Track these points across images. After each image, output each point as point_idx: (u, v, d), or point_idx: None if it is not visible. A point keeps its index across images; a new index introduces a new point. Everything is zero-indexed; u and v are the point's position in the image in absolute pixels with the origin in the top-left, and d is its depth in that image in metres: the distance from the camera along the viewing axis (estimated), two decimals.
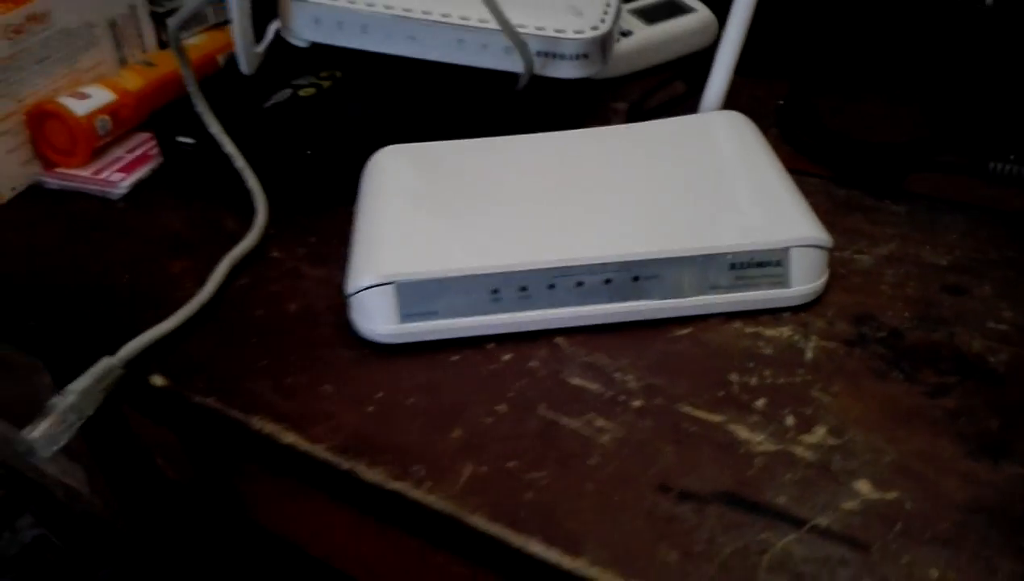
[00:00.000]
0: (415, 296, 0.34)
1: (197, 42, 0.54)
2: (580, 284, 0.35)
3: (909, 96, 0.50)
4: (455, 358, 0.34)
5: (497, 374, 0.34)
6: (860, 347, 0.34)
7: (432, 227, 0.37)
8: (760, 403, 0.32)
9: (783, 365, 0.33)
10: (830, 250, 0.36)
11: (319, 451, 0.31)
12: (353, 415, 0.32)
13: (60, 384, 0.33)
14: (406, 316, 0.34)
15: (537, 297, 0.35)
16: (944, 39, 0.53)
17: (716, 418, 0.31)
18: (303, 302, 0.38)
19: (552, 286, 0.35)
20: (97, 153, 0.48)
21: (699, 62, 0.53)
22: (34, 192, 0.47)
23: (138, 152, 0.48)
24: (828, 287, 0.36)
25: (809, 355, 0.34)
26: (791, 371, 0.33)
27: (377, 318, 0.35)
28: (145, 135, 0.49)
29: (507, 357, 0.34)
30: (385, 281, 0.34)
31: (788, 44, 0.54)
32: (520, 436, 0.31)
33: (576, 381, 0.33)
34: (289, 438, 0.32)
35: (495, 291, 0.34)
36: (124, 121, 0.48)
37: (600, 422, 0.31)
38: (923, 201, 0.42)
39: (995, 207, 0.41)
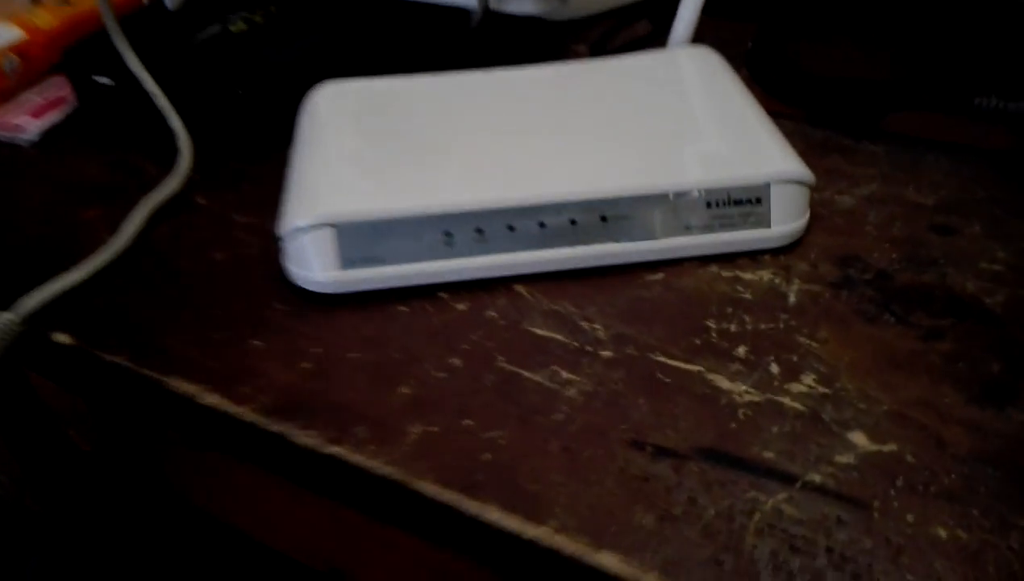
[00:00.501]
0: (358, 239, 0.30)
1: None
2: (542, 225, 0.31)
3: (884, 37, 0.47)
4: (403, 309, 0.31)
5: (450, 325, 0.30)
6: (847, 290, 0.31)
7: (377, 165, 0.33)
8: (741, 350, 0.29)
9: (765, 310, 0.30)
10: (811, 188, 0.33)
11: (245, 413, 0.27)
12: (286, 373, 0.28)
13: None
14: (348, 262, 0.31)
15: (495, 240, 0.31)
16: None
17: (694, 367, 0.28)
18: (232, 251, 0.34)
19: (511, 228, 0.31)
20: (4, 97, 0.43)
21: (664, 3, 0.50)
22: None
23: (51, 96, 0.43)
24: (809, 228, 0.33)
25: (792, 299, 0.31)
26: (774, 316, 0.30)
27: (315, 264, 0.31)
28: (59, 78, 0.44)
29: (462, 307, 0.31)
30: (323, 222, 0.30)
31: None
32: (476, 391, 0.27)
33: (539, 331, 0.30)
34: (211, 399, 0.28)
35: (447, 234, 0.31)
36: (35, 61, 0.44)
37: (566, 374, 0.28)
38: (903, 141, 0.39)
39: (978, 146, 0.38)
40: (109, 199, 0.37)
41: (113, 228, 0.34)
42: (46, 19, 0.45)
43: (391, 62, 0.43)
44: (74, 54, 0.42)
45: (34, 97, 0.43)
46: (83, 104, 0.42)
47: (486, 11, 0.43)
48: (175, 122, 0.39)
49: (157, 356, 0.29)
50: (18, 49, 0.43)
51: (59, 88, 0.44)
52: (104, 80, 0.41)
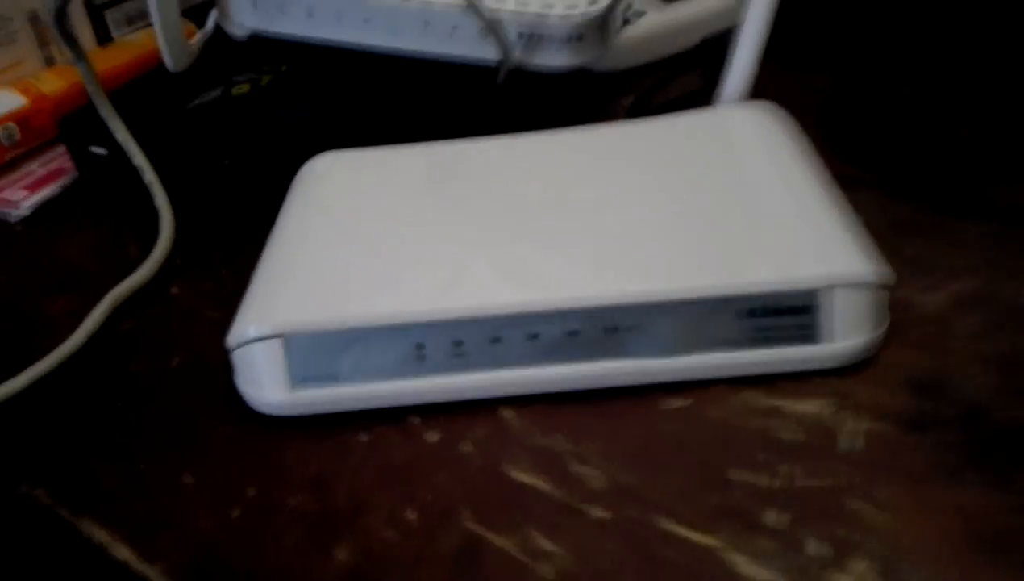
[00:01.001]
0: (311, 353, 0.26)
1: (139, 39, 0.47)
2: (534, 337, 0.26)
3: (986, 90, 0.39)
4: (363, 438, 0.26)
5: (415, 463, 0.25)
6: (923, 432, 0.24)
7: (348, 261, 0.28)
8: (772, 518, 0.22)
9: (810, 458, 0.23)
10: (887, 289, 0.26)
11: (154, 574, 0.23)
12: (211, 521, 0.24)
13: None
14: (300, 380, 0.26)
15: (476, 355, 0.26)
16: None
17: (709, 541, 0.22)
18: (190, 355, 0.30)
19: (497, 340, 0.26)
20: (2, 168, 0.41)
21: (719, 50, 0.44)
22: None
23: (53, 166, 0.41)
24: (880, 343, 0.26)
25: (847, 443, 0.24)
26: (821, 467, 0.23)
27: (264, 382, 0.26)
28: (63, 146, 0.42)
29: (433, 438, 0.25)
30: (272, 333, 0.26)
31: (829, 26, 0.44)
32: (427, 560, 0.22)
33: (519, 476, 0.24)
34: (122, 552, 0.23)
35: (419, 346, 0.26)
36: (37, 130, 0.41)
37: (542, 541, 0.22)
38: (1013, 219, 0.31)
39: None
40: (82, 286, 0.34)
41: (76, 322, 0.31)
42: (52, 83, 0.43)
43: (408, 128, 0.38)
44: (71, 123, 0.39)
45: (35, 168, 0.41)
46: (82, 175, 0.40)
47: (509, 66, 0.38)
48: (160, 198, 0.36)
49: (76, 491, 0.25)
50: (18, 117, 0.41)
51: (62, 157, 0.41)
52: (100, 150, 0.38)
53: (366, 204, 0.31)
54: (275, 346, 0.26)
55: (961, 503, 0.22)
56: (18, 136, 0.40)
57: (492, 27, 0.36)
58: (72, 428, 0.27)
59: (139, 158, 0.36)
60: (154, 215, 0.36)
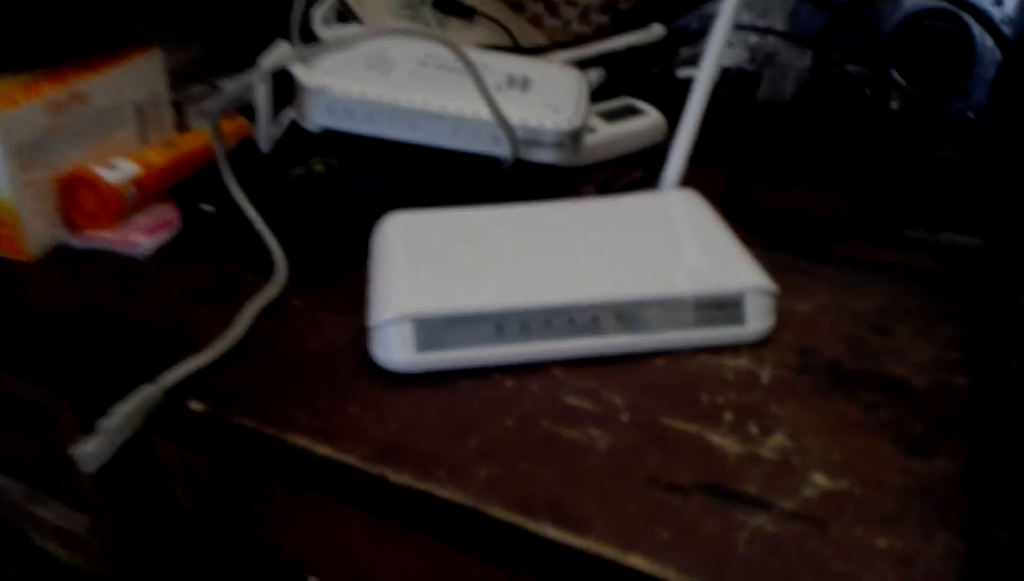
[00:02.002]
0: (430, 330, 0.40)
1: (207, 130, 0.60)
2: (572, 321, 0.41)
3: (831, 181, 0.59)
4: (465, 384, 0.39)
5: (503, 397, 0.39)
6: (806, 374, 0.40)
7: (441, 274, 0.42)
8: (728, 416, 0.37)
9: (744, 387, 0.39)
10: (776, 297, 0.43)
11: (352, 460, 0.35)
12: (379, 430, 0.37)
13: (87, 425, 0.37)
14: (421, 347, 0.40)
15: (535, 332, 0.40)
16: (858, 135, 0.63)
17: (692, 428, 0.37)
18: (325, 342, 0.43)
19: (548, 323, 0.40)
20: (122, 218, 0.52)
21: (653, 155, 0.61)
22: (61, 253, 0.51)
23: (160, 219, 0.53)
24: (776, 329, 0.43)
25: (765, 380, 0.40)
26: (751, 392, 0.39)
27: (396, 349, 0.40)
28: (165, 205, 0.54)
29: (510, 383, 0.40)
30: (404, 316, 0.39)
31: (725, 139, 0.63)
32: (527, 443, 0.36)
33: (572, 401, 0.38)
34: (323, 450, 0.36)
35: (499, 327, 0.40)
36: (148, 191, 0.54)
37: (595, 432, 0.37)
38: (849, 264, 0.49)
39: (911, 269, 0.48)
40: (218, 301, 0.46)
41: (224, 325, 0.43)
42: (156, 156, 0.55)
43: (439, 199, 0.53)
44: (184, 186, 0.52)
45: (145, 219, 0.53)
46: (187, 227, 0.52)
47: (516, 158, 0.54)
48: (271, 242, 0.49)
49: (276, 419, 0.37)
50: (136, 181, 0.53)
51: (165, 213, 0.54)
52: (208, 207, 0.51)
53: (436, 243, 0.45)
54: (406, 325, 0.39)
55: (830, 407, 0.38)
56: (136, 195, 0.52)
57: (510, 134, 0.53)
58: (253, 386, 0.39)
59: (251, 212, 0.49)
60: (258, 256, 0.49)
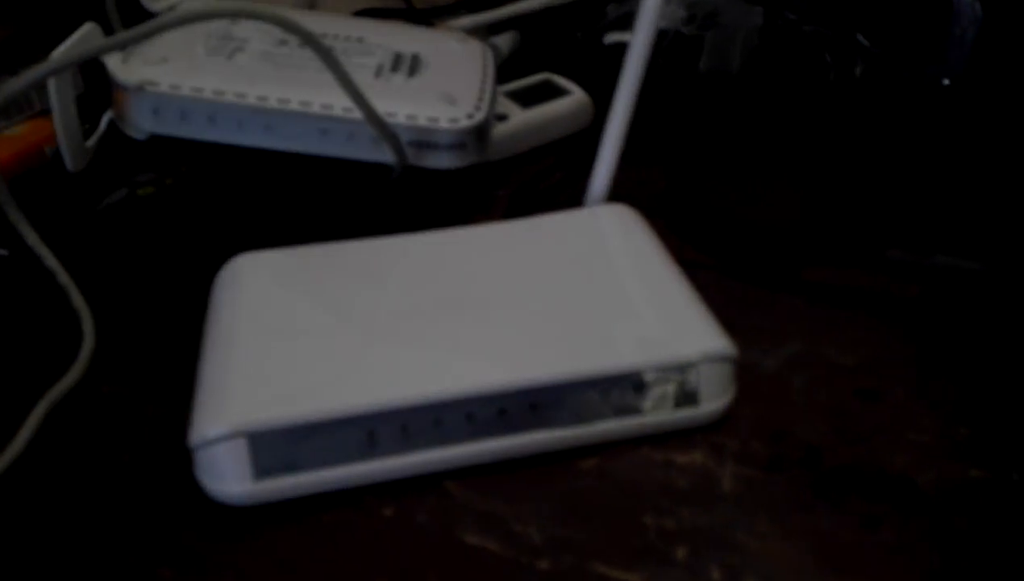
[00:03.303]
0: (273, 447, 0.29)
1: (19, 132, 0.47)
2: (470, 418, 0.30)
3: (796, 180, 0.49)
4: (327, 519, 0.29)
5: (376, 536, 0.28)
6: (779, 472, 0.31)
7: (291, 358, 0.31)
8: (680, 553, 0.28)
9: (700, 501, 0.29)
10: (736, 361, 0.33)
11: None
12: None
13: None
14: (263, 472, 0.29)
15: (421, 437, 0.30)
16: (826, 120, 0.53)
17: (633, 577, 0.27)
18: (142, 451, 0.31)
19: (438, 422, 0.30)
20: None
21: (577, 145, 0.51)
22: None
23: None
24: (738, 400, 0.33)
25: (727, 486, 0.30)
26: (709, 509, 0.29)
27: (228, 476, 0.29)
28: None
29: (388, 512, 0.29)
30: (235, 432, 0.28)
31: (663, 128, 0.52)
32: None
33: (471, 539, 0.28)
34: None
35: (370, 433, 0.29)
36: None
37: None
38: (819, 293, 0.40)
39: (893, 298, 0.39)
40: (2, 392, 0.34)
41: (8, 429, 0.32)
42: None
43: (314, 221, 0.42)
44: None
45: None
46: None
47: (403, 166, 0.42)
48: (77, 300, 0.37)
49: None
50: None
51: None
52: (2, 252, 0.39)
53: (292, 302, 0.34)
54: (239, 444, 0.28)
55: (814, 528, 0.29)
56: None
57: (390, 137, 0.41)
58: (27, 539, 0.28)
59: (51, 261, 0.37)
60: (64, 318, 0.37)
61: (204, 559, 0.28)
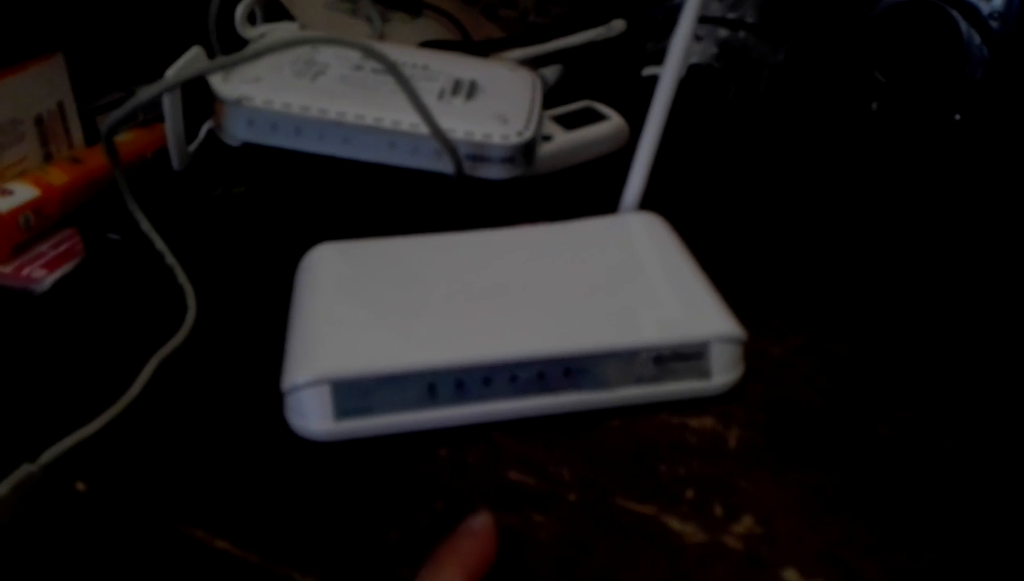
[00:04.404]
0: (351, 394, 0.35)
1: (125, 139, 0.54)
2: (514, 379, 0.36)
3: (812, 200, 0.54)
4: (392, 457, 0.35)
5: (434, 471, 0.34)
6: (778, 437, 0.36)
7: (367, 324, 0.37)
8: (689, 493, 0.33)
9: (709, 455, 0.35)
10: (745, 343, 0.38)
11: (252, 558, 0.30)
12: (288, 518, 0.32)
13: None
14: (341, 414, 0.35)
15: (473, 392, 0.35)
16: (842, 148, 0.58)
17: (648, 509, 0.32)
18: (236, 402, 0.37)
19: (487, 381, 0.36)
20: (18, 249, 0.47)
21: (616, 163, 0.56)
22: None
23: (62, 248, 0.47)
24: (745, 378, 0.38)
25: (732, 444, 0.35)
26: (716, 461, 0.34)
27: (312, 417, 0.35)
28: (69, 230, 0.49)
29: (444, 454, 0.35)
30: (320, 379, 0.34)
31: (692, 148, 0.58)
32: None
33: (513, 476, 0.34)
34: (221, 544, 0.31)
35: (431, 387, 0.35)
36: (48, 217, 0.48)
37: (538, 518, 0.32)
38: (826, 292, 0.45)
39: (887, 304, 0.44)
40: (119, 350, 0.40)
41: (124, 378, 0.38)
42: (58, 176, 0.49)
43: (379, 218, 0.48)
44: (88, 212, 0.46)
45: (46, 249, 0.47)
46: (93, 258, 0.46)
47: (460, 176, 0.49)
48: (182, 278, 0.43)
49: (170, 502, 0.32)
50: (33, 206, 0.47)
51: (69, 240, 0.48)
52: (115, 236, 0.45)
53: (365, 280, 0.40)
54: (323, 389, 0.34)
55: (804, 480, 0.34)
56: (34, 222, 0.47)
57: (450, 149, 0.47)
58: (150, 458, 0.34)
59: (159, 244, 0.44)
60: (168, 293, 0.43)
61: (293, 484, 0.33)
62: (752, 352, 0.39)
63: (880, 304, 0.44)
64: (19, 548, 0.34)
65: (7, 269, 0.45)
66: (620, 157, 0.57)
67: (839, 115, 0.60)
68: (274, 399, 0.36)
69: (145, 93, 0.45)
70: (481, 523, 0.30)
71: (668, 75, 0.45)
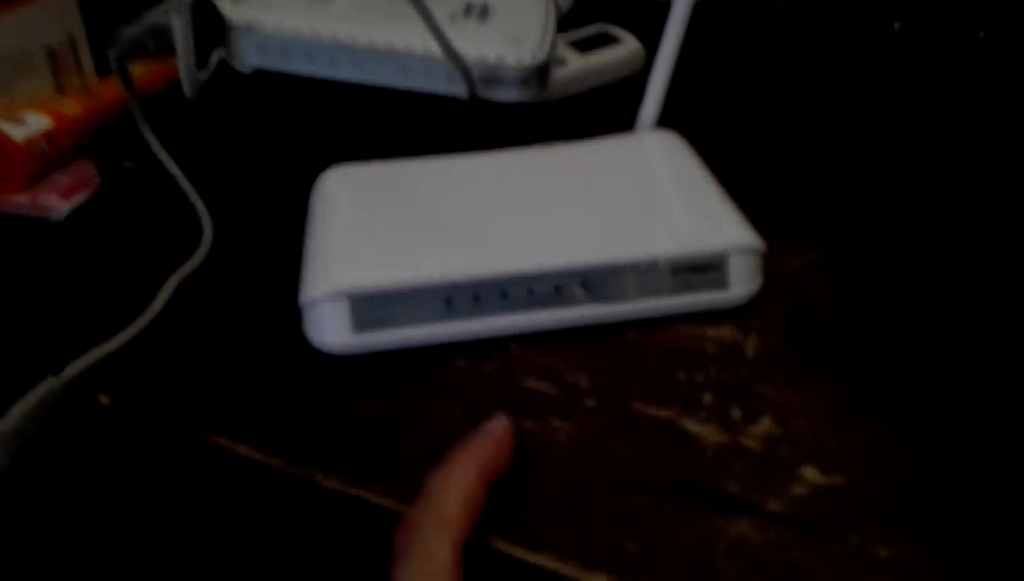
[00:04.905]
0: (368, 307, 0.35)
1: (137, 72, 0.54)
2: (531, 292, 0.36)
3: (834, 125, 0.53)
4: (410, 367, 0.35)
5: (452, 381, 0.34)
6: (796, 345, 0.35)
7: (383, 240, 0.37)
8: (707, 398, 0.33)
9: (727, 363, 0.34)
10: (764, 254, 0.37)
11: (276, 463, 0.31)
12: (310, 425, 0.32)
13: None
14: (360, 327, 0.35)
15: (490, 305, 0.35)
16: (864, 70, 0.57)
17: (667, 414, 0.32)
18: (255, 318, 0.38)
19: (504, 294, 0.35)
20: (34, 178, 0.47)
21: (630, 87, 0.55)
22: None
23: (77, 177, 0.47)
24: (763, 290, 0.38)
25: (750, 352, 0.35)
26: (734, 368, 0.34)
27: (331, 330, 0.35)
28: (83, 160, 0.49)
29: (462, 364, 0.35)
30: (338, 292, 0.34)
31: (710, 66, 0.57)
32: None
33: (531, 384, 0.34)
34: (244, 449, 0.31)
35: (448, 300, 0.35)
36: (62, 147, 0.48)
37: (556, 422, 0.32)
38: (841, 209, 0.44)
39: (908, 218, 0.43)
40: (138, 272, 0.40)
41: (142, 300, 0.38)
42: (71, 107, 0.49)
43: (392, 142, 0.47)
44: (103, 141, 0.46)
45: (62, 178, 0.47)
46: (108, 186, 0.46)
47: (474, 98, 0.48)
48: (197, 202, 0.43)
49: (192, 412, 0.33)
50: (48, 136, 0.47)
51: (84, 169, 0.48)
52: (130, 164, 0.45)
53: (381, 199, 0.40)
54: (341, 302, 0.34)
55: (823, 385, 0.33)
56: (48, 151, 0.47)
57: (463, 70, 0.47)
58: (170, 373, 0.35)
59: (174, 169, 0.44)
60: (183, 217, 0.43)
61: (313, 393, 0.34)
62: (771, 265, 0.39)
63: (899, 217, 0.43)
64: (45, 458, 0.34)
65: (24, 198, 0.46)
66: (634, 82, 0.56)
67: (860, 34, 0.59)
68: (292, 315, 0.36)
69: (154, 16, 0.45)
70: (498, 425, 0.30)
71: None
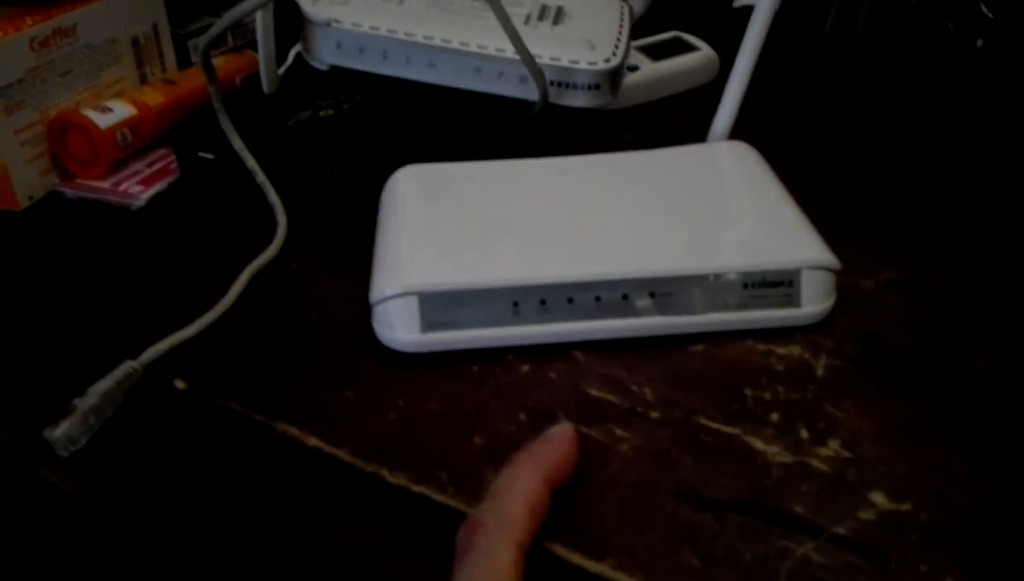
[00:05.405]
0: (437, 307, 0.35)
1: (215, 64, 0.55)
2: (598, 299, 0.36)
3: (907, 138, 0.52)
4: (475, 368, 0.35)
5: (516, 384, 0.34)
6: (868, 367, 0.35)
7: (453, 241, 0.37)
8: (774, 417, 0.32)
9: (795, 382, 0.34)
10: (837, 273, 0.37)
11: (343, 455, 0.31)
12: (375, 421, 0.33)
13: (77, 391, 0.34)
14: (428, 326, 0.35)
15: (556, 311, 0.35)
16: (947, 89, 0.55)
17: (732, 430, 0.32)
18: (324, 312, 0.38)
19: (571, 300, 0.35)
20: (116, 166, 0.48)
21: (702, 97, 0.55)
22: (52, 202, 0.47)
23: (157, 166, 0.49)
24: (836, 309, 0.37)
25: (820, 372, 0.34)
26: (803, 388, 0.34)
27: (399, 328, 0.35)
28: (164, 150, 0.50)
29: (526, 369, 0.35)
30: (408, 291, 0.35)
31: (787, 81, 0.56)
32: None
33: (594, 392, 0.34)
34: (313, 441, 0.32)
35: (515, 304, 0.35)
36: (144, 135, 0.49)
37: (619, 431, 0.32)
38: (918, 230, 0.43)
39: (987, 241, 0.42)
40: (213, 262, 0.42)
41: (218, 288, 0.39)
42: (155, 97, 0.50)
43: (462, 145, 0.48)
44: (182, 132, 0.47)
45: (142, 167, 0.49)
46: (186, 176, 0.48)
47: (545, 104, 0.48)
48: (273, 196, 0.44)
49: (263, 402, 0.34)
50: (130, 124, 0.48)
51: (164, 159, 0.49)
52: (207, 155, 0.46)
53: (450, 201, 0.40)
54: (411, 301, 0.35)
55: (894, 409, 0.33)
56: (131, 140, 0.48)
57: (537, 75, 0.47)
58: (243, 363, 0.36)
59: (251, 162, 0.45)
60: (258, 210, 0.44)
61: (380, 390, 0.34)
62: (843, 283, 0.38)
63: (977, 241, 0.42)
64: (123, 438, 0.35)
65: (106, 184, 0.47)
66: (708, 91, 0.56)
67: (942, 52, 0.57)
68: (361, 311, 0.37)
69: (239, 9, 0.46)
70: (562, 431, 0.30)
71: (763, 4, 0.44)
